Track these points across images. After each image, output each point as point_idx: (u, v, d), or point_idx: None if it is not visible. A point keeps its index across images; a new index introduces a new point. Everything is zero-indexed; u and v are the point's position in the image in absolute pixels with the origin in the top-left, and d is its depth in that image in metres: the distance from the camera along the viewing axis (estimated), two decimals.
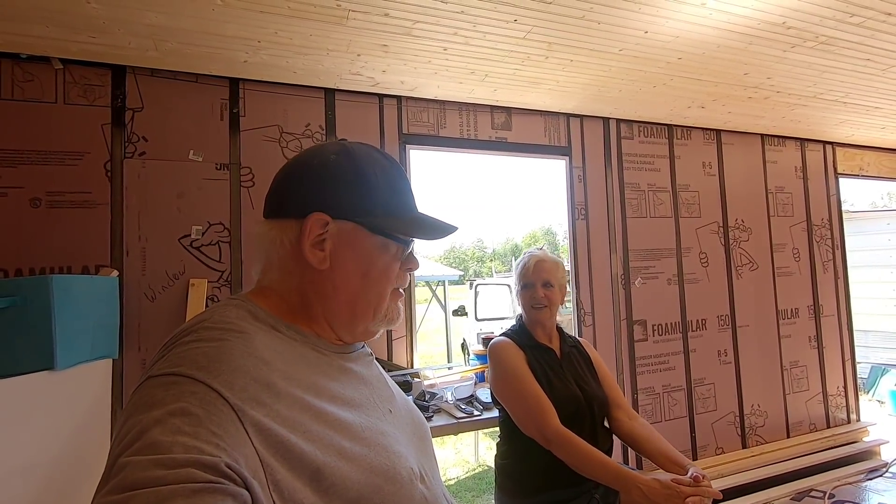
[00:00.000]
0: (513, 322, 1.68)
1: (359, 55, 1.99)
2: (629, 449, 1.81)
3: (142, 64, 1.99)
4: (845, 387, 3.43)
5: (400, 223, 0.68)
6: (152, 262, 1.98)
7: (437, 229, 0.72)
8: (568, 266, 2.73)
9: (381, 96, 2.40)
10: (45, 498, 1.37)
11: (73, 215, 1.89)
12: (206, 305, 2.00)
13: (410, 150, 2.46)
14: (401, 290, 0.72)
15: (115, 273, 1.87)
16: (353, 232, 0.65)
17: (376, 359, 0.82)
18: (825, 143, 3.54)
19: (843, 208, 3.61)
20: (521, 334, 1.59)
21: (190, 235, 2.04)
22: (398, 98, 2.43)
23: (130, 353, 1.92)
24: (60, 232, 1.87)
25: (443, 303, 8.07)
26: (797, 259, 3.36)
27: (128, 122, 1.99)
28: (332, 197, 0.64)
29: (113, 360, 1.83)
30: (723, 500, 1.26)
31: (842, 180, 3.60)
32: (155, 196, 2.00)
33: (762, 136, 3.32)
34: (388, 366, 2.27)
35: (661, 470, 1.34)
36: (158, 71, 2.04)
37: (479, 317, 6.99)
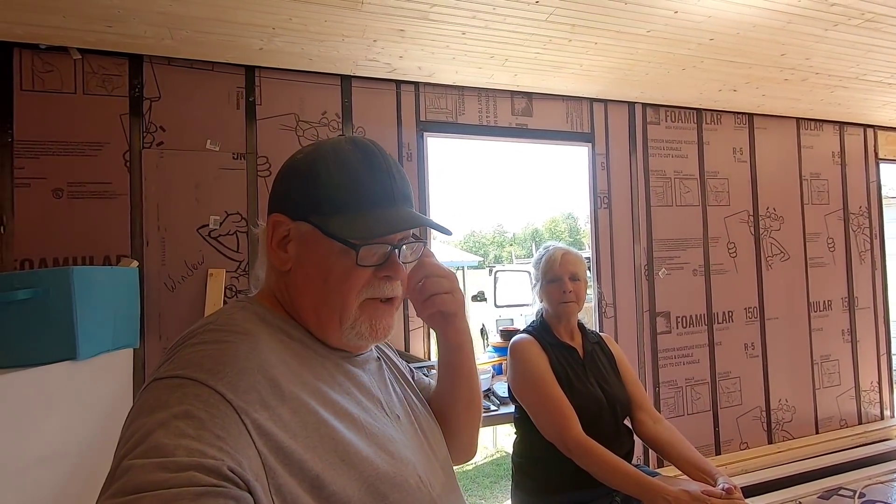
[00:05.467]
0: (532, 315, 1.64)
1: (375, 41, 1.94)
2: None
3: (158, 53, 1.97)
4: (879, 382, 3.30)
5: (348, 223, 0.59)
6: (172, 253, 1.99)
7: (396, 225, 0.61)
8: (589, 255, 2.67)
9: (398, 82, 2.35)
10: (70, 486, 1.40)
11: (94, 205, 1.91)
12: (225, 295, 2.01)
13: (428, 138, 2.41)
14: (382, 302, 0.63)
15: (135, 264, 1.89)
16: (311, 234, 0.61)
17: (391, 349, 0.81)
18: (866, 126, 3.34)
19: (883, 194, 3.43)
20: (542, 331, 1.54)
21: (208, 225, 2.04)
22: (416, 84, 2.38)
23: (152, 342, 1.94)
24: (82, 222, 1.89)
25: (462, 289, 8.07)
26: (832, 249, 3.22)
27: (145, 111, 1.99)
28: (290, 197, 0.63)
29: (134, 349, 1.86)
30: (747, 497, 1.21)
31: (883, 166, 3.41)
32: (173, 186, 2.01)
33: (798, 119, 3.15)
34: (406, 357, 2.26)
35: (686, 477, 1.29)
36: (175, 59, 2.02)
37: (498, 303, 6.95)
